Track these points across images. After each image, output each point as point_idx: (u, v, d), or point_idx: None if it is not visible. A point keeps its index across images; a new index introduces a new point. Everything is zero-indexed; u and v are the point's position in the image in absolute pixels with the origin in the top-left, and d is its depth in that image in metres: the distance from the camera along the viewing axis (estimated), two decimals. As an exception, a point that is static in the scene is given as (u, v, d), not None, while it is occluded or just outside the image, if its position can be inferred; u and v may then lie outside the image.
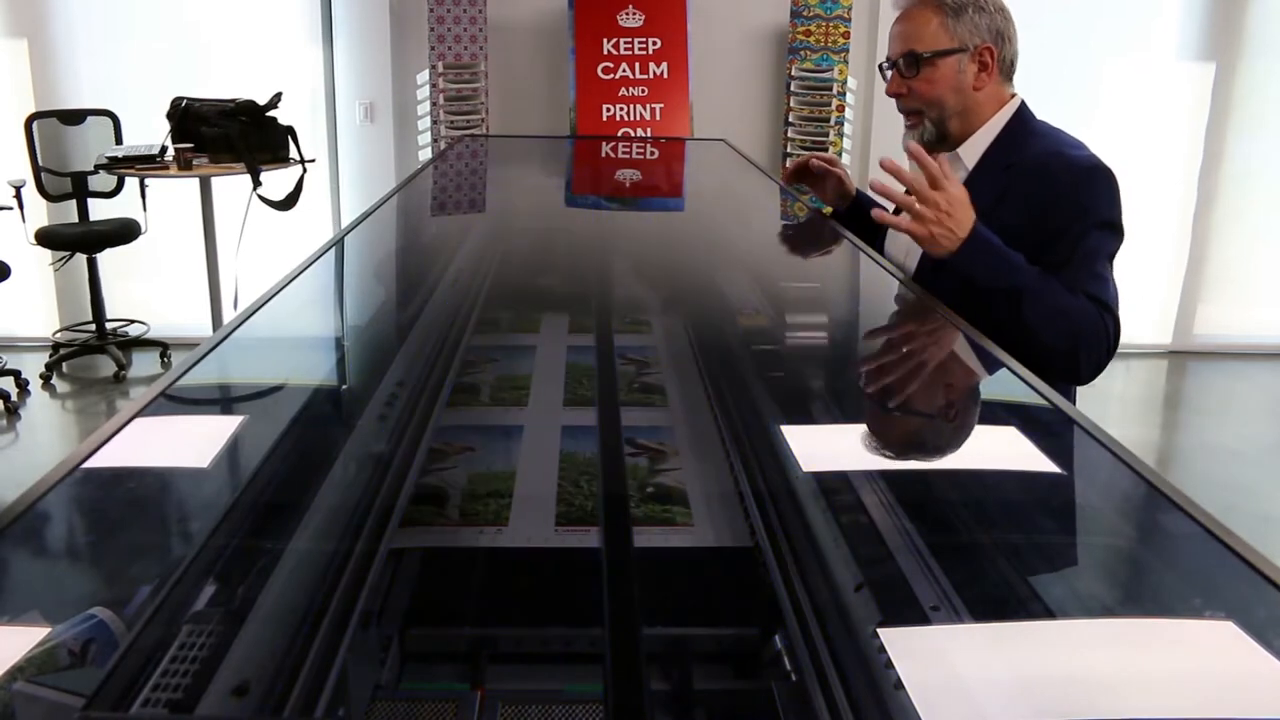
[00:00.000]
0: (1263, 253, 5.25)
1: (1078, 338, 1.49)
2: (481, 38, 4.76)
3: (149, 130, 4.35)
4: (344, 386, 1.32)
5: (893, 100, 1.73)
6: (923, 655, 0.69)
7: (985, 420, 1.22)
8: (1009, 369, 1.25)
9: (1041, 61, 3.81)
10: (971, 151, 1.67)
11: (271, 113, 4.08)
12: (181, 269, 4.73)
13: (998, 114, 1.67)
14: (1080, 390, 1.62)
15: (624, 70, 4.71)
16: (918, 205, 1.49)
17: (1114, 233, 1.56)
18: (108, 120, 4.61)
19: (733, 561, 0.85)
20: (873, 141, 4.98)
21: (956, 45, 1.63)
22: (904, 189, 1.54)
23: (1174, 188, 5.14)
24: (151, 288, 5.03)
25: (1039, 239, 1.53)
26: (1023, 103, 1.68)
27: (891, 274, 1.71)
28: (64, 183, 4.57)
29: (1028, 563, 0.88)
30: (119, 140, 4.58)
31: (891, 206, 1.61)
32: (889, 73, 1.71)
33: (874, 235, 1.95)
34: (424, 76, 4.82)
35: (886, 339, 1.56)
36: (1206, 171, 5.11)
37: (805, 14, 4.76)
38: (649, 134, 4.64)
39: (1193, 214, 5.16)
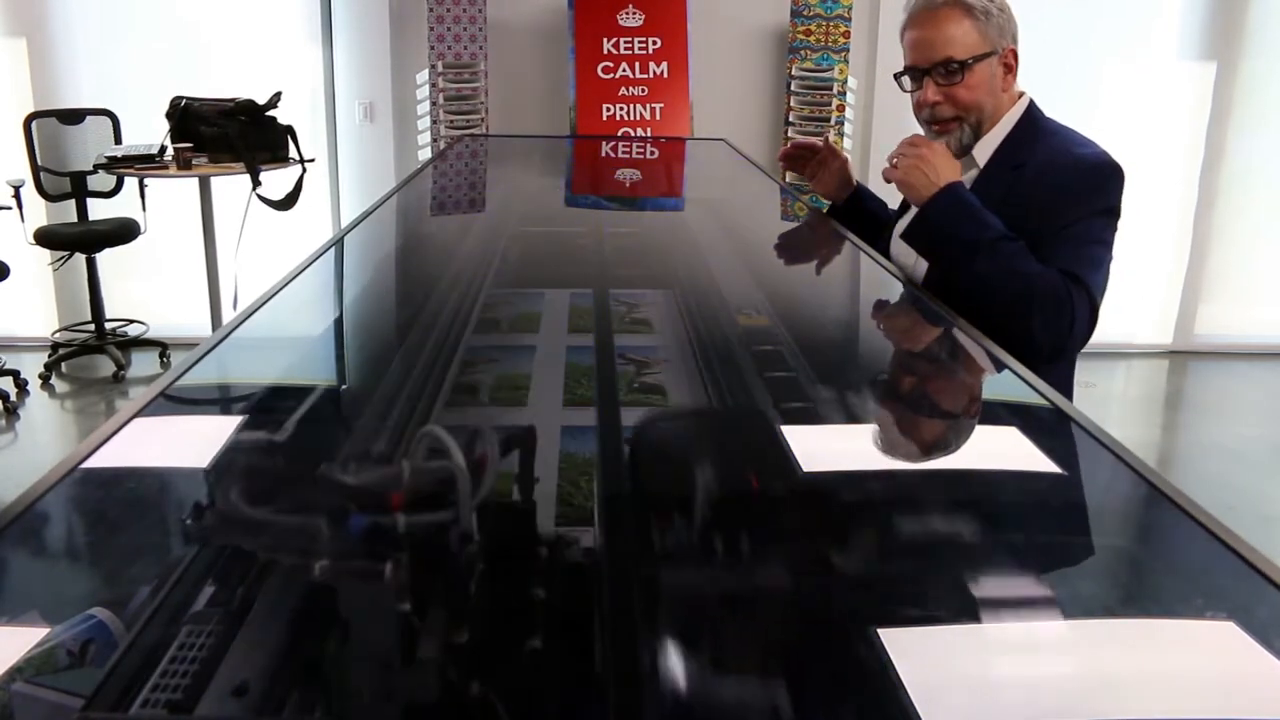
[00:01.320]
0: (1264, 252, 5.24)
1: (1032, 300, 1.45)
2: (481, 37, 4.76)
3: (148, 130, 4.34)
4: (343, 386, 1.32)
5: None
6: (923, 655, 0.69)
7: (986, 420, 1.22)
8: (1010, 369, 1.25)
9: (1041, 61, 3.80)
10: (984, 151, 1.67)
11: (271, 112, 4.07)
12: (181, 269, 4.72)
13: (1009, 113, 1.67)
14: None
15: (624, 70, 4.71)
16: (896, 149, 1.59)
17: (1110, 215, 1.55)
18: (107, 120, 4.60)
19: (734, 561, 0.85)
20: (873, 141, 4.98)
21: (989, 48, 1.61)
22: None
23: (1175, 187, 5.13)
24: (151, 287, 5.02)
25: (1045, 234, 1.52)
26: (1031, 100, 1.68)
27: (892, 274, 1.71)
28: (63, 182, 4.56)
29: (1028, 563, 0.88)
30: (118, 140, 4.57)
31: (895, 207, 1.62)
32: (917, 80, 1.64)
33: (875, 235, 1.95)
34: (424, 76, 4.82)
35: (887, 339, 1.56)
36: (1207, 171, 5.10)
37: (805, 13, 4.76)
38: (649, 134, 4.64)
39: (1193, 213, 5.15)
